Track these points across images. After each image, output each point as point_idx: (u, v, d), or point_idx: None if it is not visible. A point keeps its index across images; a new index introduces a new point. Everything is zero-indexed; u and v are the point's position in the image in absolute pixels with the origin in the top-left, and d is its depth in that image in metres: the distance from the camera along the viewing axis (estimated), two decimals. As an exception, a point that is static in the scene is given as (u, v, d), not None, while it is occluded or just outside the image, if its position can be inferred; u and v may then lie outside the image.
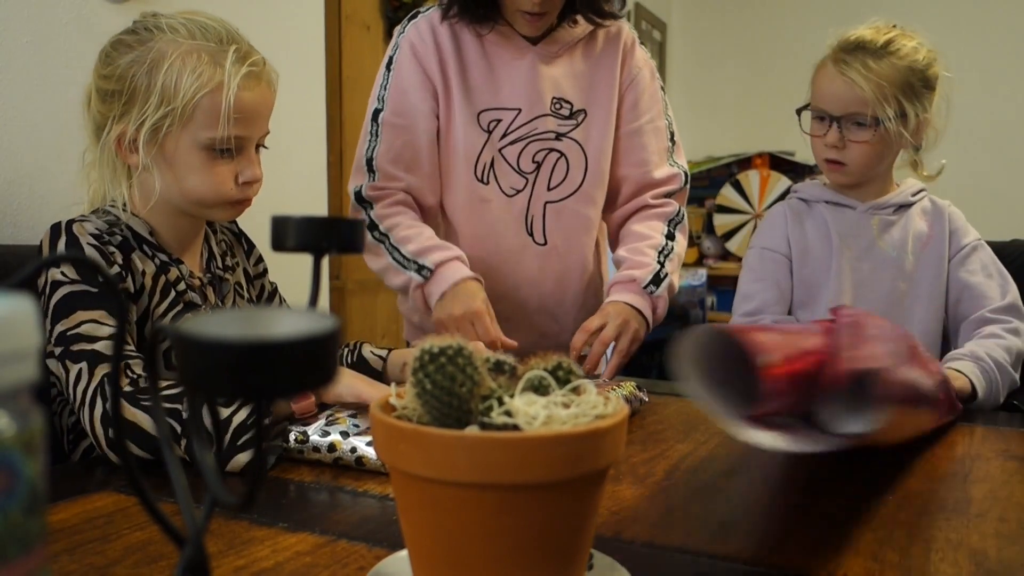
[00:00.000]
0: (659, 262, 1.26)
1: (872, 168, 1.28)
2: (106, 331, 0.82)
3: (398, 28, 1.32)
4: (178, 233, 0.97)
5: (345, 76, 2.29)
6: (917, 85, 1.23)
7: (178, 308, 0.94)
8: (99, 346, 0.81)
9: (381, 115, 1.27)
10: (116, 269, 0.87)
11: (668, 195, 1.35)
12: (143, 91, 0.89)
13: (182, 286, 0.96)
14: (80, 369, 0.80)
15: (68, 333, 0.81)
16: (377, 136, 1.27)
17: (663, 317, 1.27)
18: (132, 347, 0.86)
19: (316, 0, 2.07)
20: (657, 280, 1.24)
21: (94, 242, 0.87)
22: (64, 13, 1.39)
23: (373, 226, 1.25)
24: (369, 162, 1.27)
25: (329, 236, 0.48)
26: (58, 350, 0.82)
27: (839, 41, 1.27)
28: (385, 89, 1.28)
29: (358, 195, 1.27)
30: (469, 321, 1.15)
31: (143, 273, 0.91)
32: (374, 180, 1.26)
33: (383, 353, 1.14)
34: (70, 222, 0.89)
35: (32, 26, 1.34)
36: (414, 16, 1.31)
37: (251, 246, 1.14)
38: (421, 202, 1.30)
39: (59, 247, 0.87)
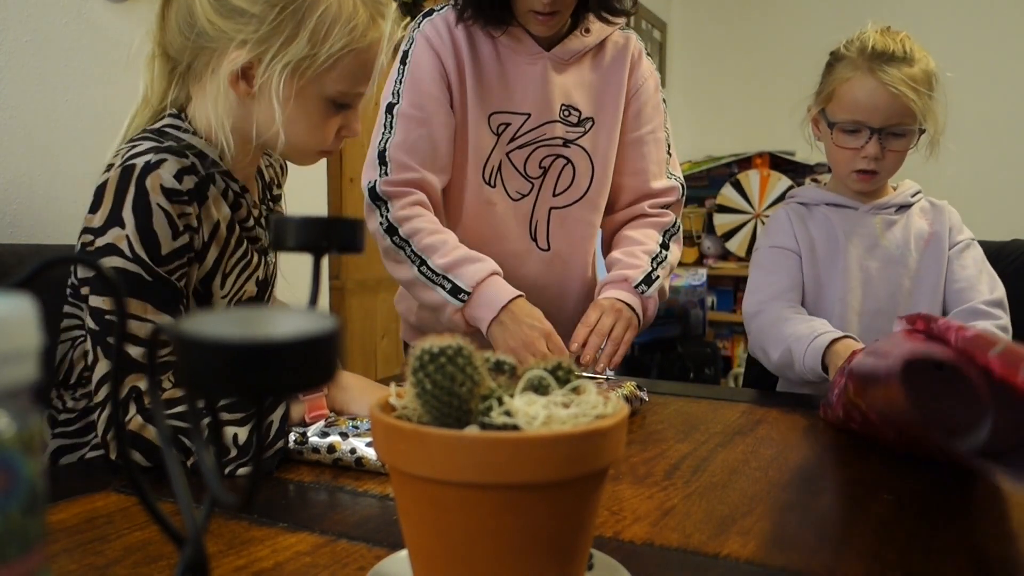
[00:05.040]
0: (651, 265, 1.27)
1: (896, 171, 1.31)
2: (147, 330, 0.78)
3: (412, 24, 1.29)
4: (243, 159, 0.90)
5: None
6: (935, 86, 1.25)
7: (245, 251, 0.90)
8: (135, 353, 0.77)
9: (397, 108, 1.23)
10: (184, 225, 0.81)
11: (665, 206, 1.35)
12: (291, 27, 0.81)
13: (250, 222, 0.91)
14: (110, 370, 0.77)
15: (106, 316, 0.78)
16: (391, 128, 1.22)
17: (653, 319, 1.28)
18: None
19: (316, 0, 2.07)
20: (648, 281, 1.25)
21: (164, 202, 0.79)
22: (64, 13, 1.39)
23: (392, 230, 1.18)
24: (382, 154, 1.21)
25: (329, 236, 0.48)
26: (91, 324, 0.78)
27: (858, 50, 1.25)
28: (400, 83, 1.24)
29: (372, 191, 1.21)
30: (543, 340, 1.12)
31: (217, 223, 0.85)
32: (387, 173, 1.20)
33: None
34: (145, 171, 0.79)
35: (32, 26, 1.34)
36: (428, 13, 1.29)
37: (285, 168, 1.08)
38: (434, 200, 1.25)
39: (127, 199, 0.78)
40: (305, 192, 2.03)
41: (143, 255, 0.78)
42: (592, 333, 1.17)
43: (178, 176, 0.80)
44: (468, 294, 1.14)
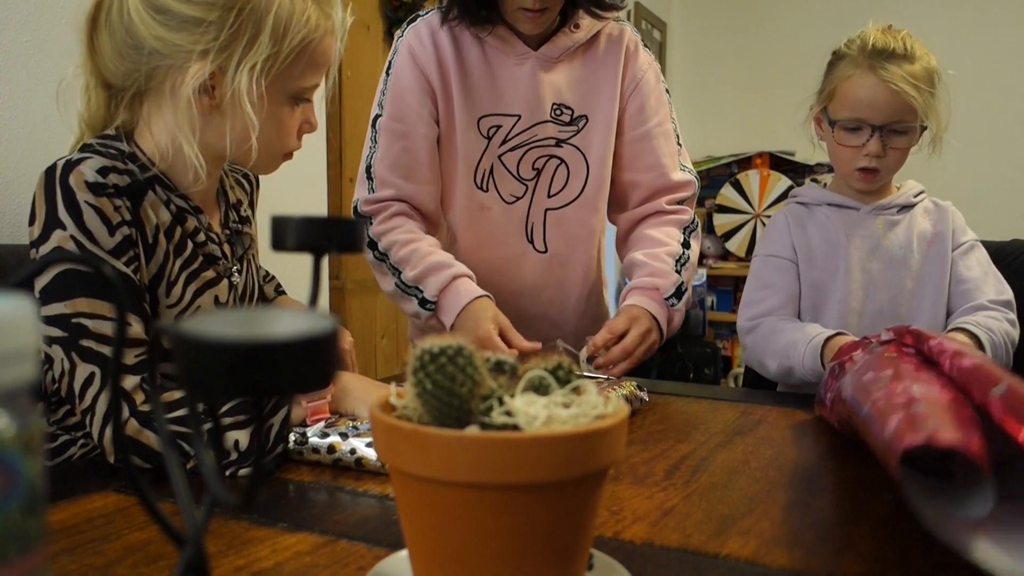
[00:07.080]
0: (677, 272, 1.24)
1: (899, 170, 1.30)
2: (111, 329, 0.75)
3: (398, 32, 1.30)
4: (203, 180, 0.85)
5: (345, 76, 2.29)
6: (936, 83, 1.25)
7: (196, 264, 0.86)
8: (110, 352, 0.74)
9: (379, 121, 1.25)
10: (119, 219, 0.77)
11: (681, 201, 1.32)
12: (252, 28, 0.79)
13: (201, 237, 0.87)
14: (92, 373, 0.75)
15: (72, 320, 0.74)
16: (376, 142, 1.25)
17: (675, 331, 1.26)
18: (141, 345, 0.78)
19: (316, 0, 2.07)
20: (679, 293, 1.23)
21: (91, 198, 0.75)
22: (64, 13, 1.39)
23: (373, 244, 1.23)
24: (368, 170, 1.25)
25: (329, 236, 0.48)
26: (55, 332, 0.74)
27: (859, 48, 1.25)
28: (384, 94, 1.26)
29: (355, 210, 1.25)
30: (495, 335, 1.11)
31: (156, 227, 0.81)
32: (372, 190, 1.24)
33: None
34: (67, 168, 0.76)
35: (32, 26, 1.34)
36: (413, 20, 1.28)
37: (257, 184, 1.05)
38: (421, 210, 1.27)
39: (58, 201, 0.76)
40: (305, 192, 2.03)
41: (95, 251, 0.76)
42: (618, 347, 1.14)
43: (102, 172, 0.77)
44: (433, 303, 1.18)
